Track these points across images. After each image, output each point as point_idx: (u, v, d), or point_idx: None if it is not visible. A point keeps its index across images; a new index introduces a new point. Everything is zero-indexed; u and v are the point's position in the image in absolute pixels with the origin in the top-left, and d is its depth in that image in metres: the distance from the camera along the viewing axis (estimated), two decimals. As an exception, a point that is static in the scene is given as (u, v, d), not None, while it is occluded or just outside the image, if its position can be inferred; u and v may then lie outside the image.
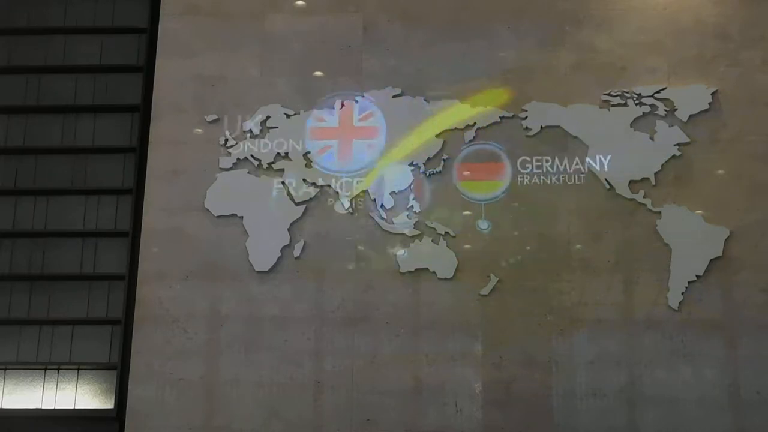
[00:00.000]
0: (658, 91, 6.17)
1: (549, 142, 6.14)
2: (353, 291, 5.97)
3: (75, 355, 6.22)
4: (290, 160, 6.19)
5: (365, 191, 6.11)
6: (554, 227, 6.01)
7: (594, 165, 6.08)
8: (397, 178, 6.12)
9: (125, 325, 6.15)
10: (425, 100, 6.24)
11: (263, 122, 6.26)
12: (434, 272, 5.96)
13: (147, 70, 6.57)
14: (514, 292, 5.92)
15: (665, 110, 6.14)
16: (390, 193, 6.10)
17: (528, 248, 5.98)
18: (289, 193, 6.13)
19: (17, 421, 6.09)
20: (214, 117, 6.29)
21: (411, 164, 6.14)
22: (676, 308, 5.83)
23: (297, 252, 6.03)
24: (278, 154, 6.21)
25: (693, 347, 5.79)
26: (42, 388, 6.18)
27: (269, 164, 6.19)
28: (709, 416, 5.69)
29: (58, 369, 6.21)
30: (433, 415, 5.78)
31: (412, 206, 6.07)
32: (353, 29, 6.41)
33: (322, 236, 6.07)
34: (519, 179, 6.08)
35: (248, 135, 6.25)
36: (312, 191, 6.13)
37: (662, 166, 6.05)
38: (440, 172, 6.12)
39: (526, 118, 6.18)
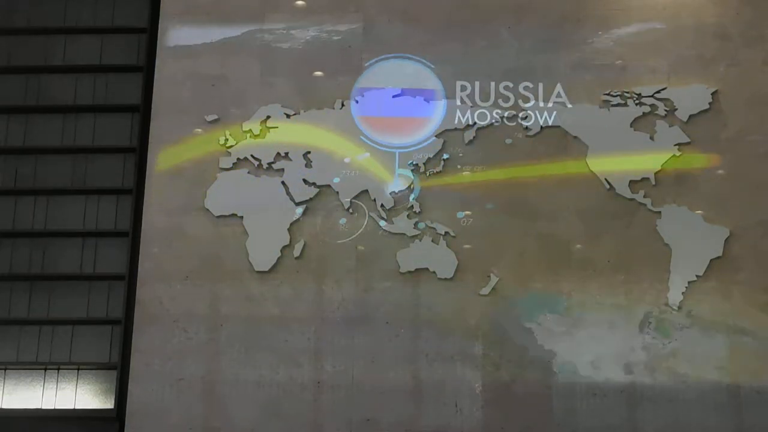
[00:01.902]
0: (658, 91, 6.17)
1: (549, 142, 6.14)
2: (353, 291, 5.97)
3: (75, 355, 6.22)
4: (290, 160, 6.19)
5: (365, 191, 6.11)
6: (554, 227, 6.01)
7: (594, 165, 6.08)
8: (397, 178, 6.13)
9: (125, 325, 6.14)
10: (425, 100, 6.25)
11: (263, 122, 6.27)
12: (434, 272, 5.96)
13: (147, 70, 6.57)
14: (514, 292, 5.92)
15: (665, 110, 6.14)
16: (390, 193, 6.10)
17: (528, 248, 5.98)
18: (289, 193, 6.14)
19: (17, 421, 6.08)
20: (214, 117, 6.29)
21: (411, 164, 6.14)
22: (676, 308, 5.83)
23: (297, 252, 6.03)
24: (278, 154, 6.21)
25: (693, 347, 5.79)
26: (42, 388, 6.18)
27: (269, 164, 6.20)
28: (709, 416, 5.69)
29: (58, 369, 6.21)
30: (433, 415, 5.78)
31: (412, 206, 6.07)
32: (353, 29, 6.41)
33: (322, 236, 6.07)
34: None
35: (248, 135, 6.25)
36: (312, 191, 6.13)
37: (662, 166, 6.05)
38: (440, 172, 6.12)
39: (526, 118, 6.18)
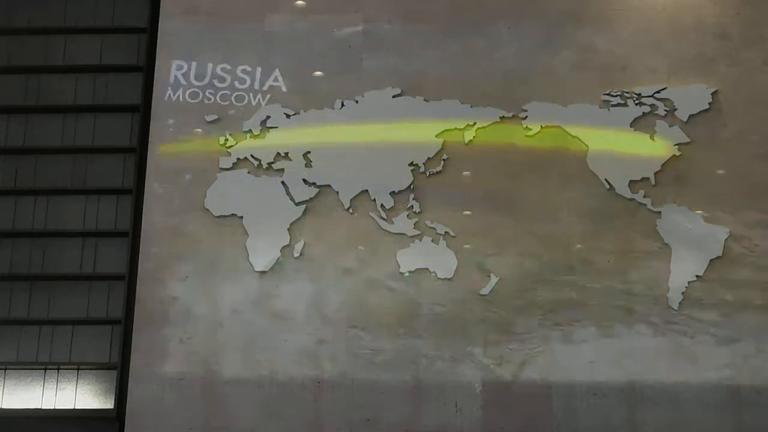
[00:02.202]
0: (658, 91, 6.17)
1: (549, 142, 6.15)
2: (353, 291, 5.97)
3: (75, 355, 6.22)
4: (290, 160, 6.19)
5: (365, 191, 6.12)
6: (554, 227, 6.01)
7: (594, 165, 6.08)
8: (397, 178, 6.13)
9: (125, 325, 6.15)
10: (425, 100, 6.25)
11: (263, 122, 6.27)
12: (434, 272, 5.96)
13: (147, 70, 6.57)
14: (514, 292, 5.92)
15: (665, 110, 6.14)
16: (390, 193, 6.10)
17: (528, 248, 5.98)
18: (289, 193, 6.14)
19: (17, 421, 6.08)
20: (214, 117, 6.30)
21: (411, 164, 6.14)
22: (676, 308, 5.83)
23: (297, 252, 6.04)
24: (278, 154, 6.21)
25: (693, 347, 5.78)
26: (42, 388, 6.18)
27: (269, 164, 6.20)
28: (709, 416, 5.69)
29: (58, 369, 6.21)
30: (433, 415, 5.78)
31: (412, 206, 6.07)
32: (353, 29, 6.41)
33: (322, 236, 6.07)
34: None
35: (248, 135, 6.25)
36: (312, 191, 6.13)
37: (662, 166, 6.05)
38: (440, 172, 6.12)
39: (526, 118, 6.18)
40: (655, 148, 6.08)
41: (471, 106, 6.22)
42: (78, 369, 6.21)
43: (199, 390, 5.87)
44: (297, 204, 6.11)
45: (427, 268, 5.98)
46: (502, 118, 6.19)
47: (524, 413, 5.75)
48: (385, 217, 6.07)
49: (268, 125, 6.26)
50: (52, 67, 6.72)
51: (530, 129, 6.16)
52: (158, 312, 5.99)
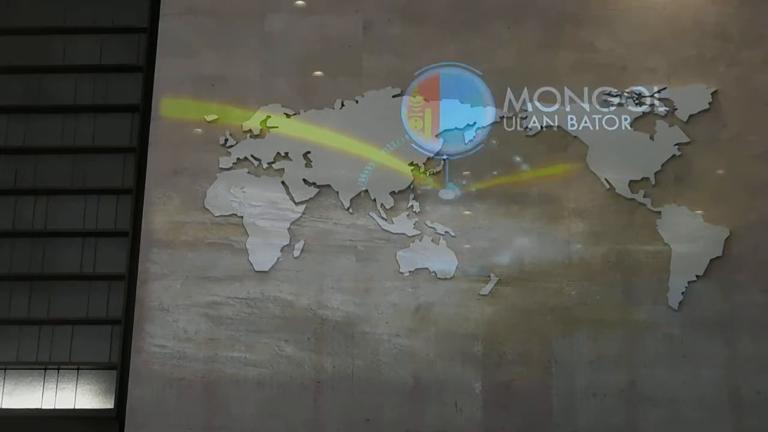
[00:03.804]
0: (658, 91, 6.17)
1: (549, 142, 6.15)
2: (353, 291, 5.98)
3: (75, 355, 6.22)
4: (290, 160, 6.19)
5: (365, 191, 6.12)
6: (554, 227, 6.01)
7: (594, 165, 6.08)
8: (397, 178, 6.13)
9: (125, 325, 6.15)
10: (425, 99, 6.25)
11: (263, 122, 6.27)
12: (434, 272, 5.96)
13: (147, 70, 6.57)
14: (513, 292, 5.92)
15: (665, 110, 6.14)
16: (390, 193, 6.10)
17: (528, 248, 5.99)
18: (289, 193, 6.14)
19: (17, 421, 6.08)
20: (214, 117, 6.30)
21: (411, 164, 6.14)
22: (676, 308, 5.83)
23: (297, 252, 6.04)
24: (278, 154, 6.21)
25: (693, 347, 5.79)
26: (42, 388, 6.18)
27: (269, 164, 6.20)
28: (709, 416, 5.69)
29: (58, 369, 6.21)
30: (433, 415, 5.78)
31: (412, 206, 6.08)
32: (353, 29, 6.41)
33: (322, 236, 6.07)
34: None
35: (248, 135, 6.25)
36: (312, 191, 6.13)
37: (662, 166, 6.05)
38: (440, 172, 6.12)
39: (526, 118, 6.18)
40: (655, 148, 6.08)
41: (471, 106, 6.22)
42: (78, 369, 6.21)
43: (199, 390, 5.87)
44: (297, 204, 6.11)
45: (427, 268, 5.98)
46: (502, 117, 6.19)
47: (524, 413, 5.75)
48: (385, 217, 6.07)
49: (268, 125, 6.26)
50: (52, 67, 6.72)
51: (530, 129, 6.16)
52: (158, 312, 5.99)
